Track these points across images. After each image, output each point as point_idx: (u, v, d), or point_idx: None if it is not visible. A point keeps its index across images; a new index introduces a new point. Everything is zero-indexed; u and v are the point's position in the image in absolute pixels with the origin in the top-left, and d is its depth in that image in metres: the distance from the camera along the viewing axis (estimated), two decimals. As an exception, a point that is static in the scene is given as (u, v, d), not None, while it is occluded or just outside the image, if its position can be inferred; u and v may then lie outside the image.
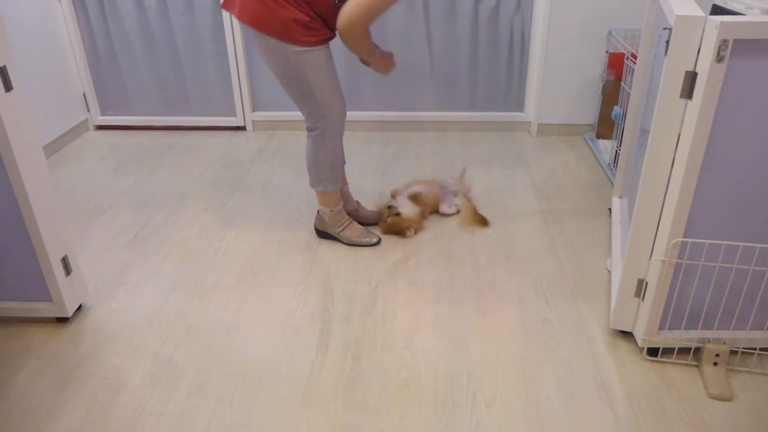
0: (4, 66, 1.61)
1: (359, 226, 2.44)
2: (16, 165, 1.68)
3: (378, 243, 2.41)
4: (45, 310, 1.95)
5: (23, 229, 1.80)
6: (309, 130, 2.19)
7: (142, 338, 1.92)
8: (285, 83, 2.10)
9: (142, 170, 3.10)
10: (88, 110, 3.59)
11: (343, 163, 2.37)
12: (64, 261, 1.92)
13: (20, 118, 1.68)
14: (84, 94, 3.54)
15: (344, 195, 2.49)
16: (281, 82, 2.11)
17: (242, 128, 3.61)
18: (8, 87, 1.63)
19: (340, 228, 2.39)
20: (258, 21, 1.94)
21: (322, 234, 2.45)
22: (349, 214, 2.50)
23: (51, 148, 3.28)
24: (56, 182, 2.98)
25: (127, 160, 3.23)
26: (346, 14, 1.88)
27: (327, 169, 2.24)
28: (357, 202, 2.57)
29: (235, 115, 3.57)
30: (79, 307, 2.05)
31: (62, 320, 1.99)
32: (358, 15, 1.88)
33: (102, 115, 3.63)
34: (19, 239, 1.82)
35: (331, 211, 2.36)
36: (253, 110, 3.57)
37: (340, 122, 2.17)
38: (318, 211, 2.41)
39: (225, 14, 3.27)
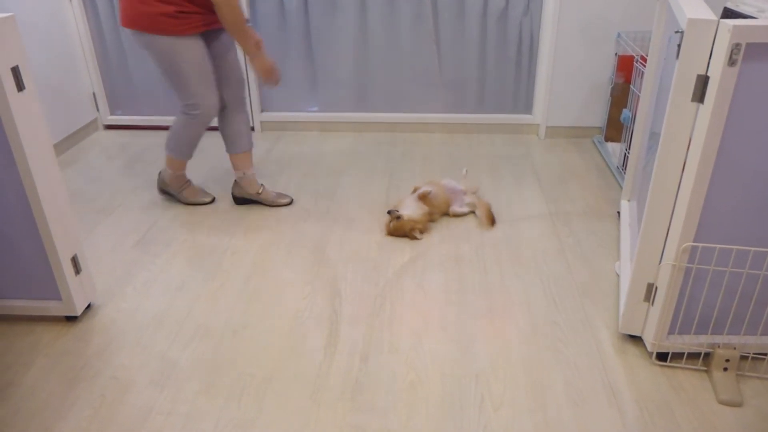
0: (17, 66, 1.62)
1: (196, 187, 2.75)
2: (27, 164, 1.69)
3: (213, 201, 2.74)
4: (54, 308, 1.96)
5: (34, 227, 1.81)
6: (182, 112, 2.43)
7: (151, 338, 1.93)
8: (163, 74, 2.34)
9: (151, 170, 3.11)
10: (98, 110, 3.60)
11: (250, 148, 2.64)
12: (74, 260, 1.93)
13: (32, 118, 1.69)
14: (94, 94, 3.55)
15: (248, 179, 2.69)
16: (161, 73, 2.34)
17: (251, 129, 3.61)
18: (20, 87, 1.64)
19: (180, 189, 2.71)
20: (133, 22, 2.21)
21: (164, 192, 2.77)
22: (252, 197, 2.73)
23: (61, 147, 3.29)
24: (65, 181, 2.99)
25: (136, 159, 3.24)
26: None
27: (185, 144, 2.54)
28: (262, 185, 2.75)
29: (243, 116, 3.58)
30: (88, 306, 2.05)
31: (71, 319, 2.00)
32: None
33: (111, 114, 3.65)
34: (30, 238, 1.83)
35: (173, 174, 2.67)
36: (262, 111, 3.57)
37: (210, 114, 2.42)
38: (160, 172, 2.73)
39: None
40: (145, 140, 3.49)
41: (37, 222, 1.79)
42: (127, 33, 3.40)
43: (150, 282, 2.20)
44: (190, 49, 2.25)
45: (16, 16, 1.62)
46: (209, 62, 2.34)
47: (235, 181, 2.72)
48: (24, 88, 1.65)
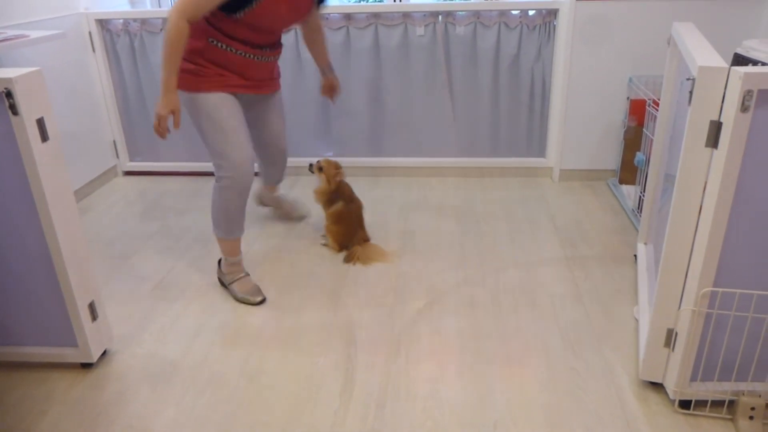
0: (42, 117, 1.67)
1: (250, 283, 2.38)
2: (48, 212, 1.72)
3: (262, 302, 2.33)
4: (70, 355, 1.96)
5: (53, 274, 1.83)
6: (215, 179, 2.23)
7: (166, 385, 1.92)
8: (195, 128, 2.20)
9: (169, 215, 3.15)
10: (117, 156, 3.68)
11: (276, 182, 2.81)
12: (91, 306, 1.94)
13: (54, 167, 1.73)
14: (114, 142, 3.64)
15: (275, 198, 2.94)
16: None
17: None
18: (44, 138, 1.68)
19: (231, 280, 2.38)
20: None
21: (221, 282, 2.46)
22: (270, 203, 2.95)
23: (81, 193, 3.35)
24: (85, 227, 3.03)
25: (154, 205, 3.29)
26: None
27: (220, 217, 2.27)
28: (285, 200, 2.98)
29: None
30: (104, 353, 2.06)
31: (86, 366, 2.00)
32: (177, 3, 1.91)
33: (130, 161, 3.72)
34: (48, 284, 1.85)
35: (226, 260, 2.39)
36: (277, 156, 3.62)
37: (234, 177, 2.15)
38: (219, 260, 2.46)
39: (251, 64, 3.36)
40: (163, 186, 3.55)
41: (56, 268, 1.81)
42: (147, 82, 3.50)
43: (166, 328, 2.21)
44: (209, 106, 2.10)
45: (43, 68, 1.68)
46: (234, 121, 2.14)
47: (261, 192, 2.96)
48: (48, 138, 1.70)
